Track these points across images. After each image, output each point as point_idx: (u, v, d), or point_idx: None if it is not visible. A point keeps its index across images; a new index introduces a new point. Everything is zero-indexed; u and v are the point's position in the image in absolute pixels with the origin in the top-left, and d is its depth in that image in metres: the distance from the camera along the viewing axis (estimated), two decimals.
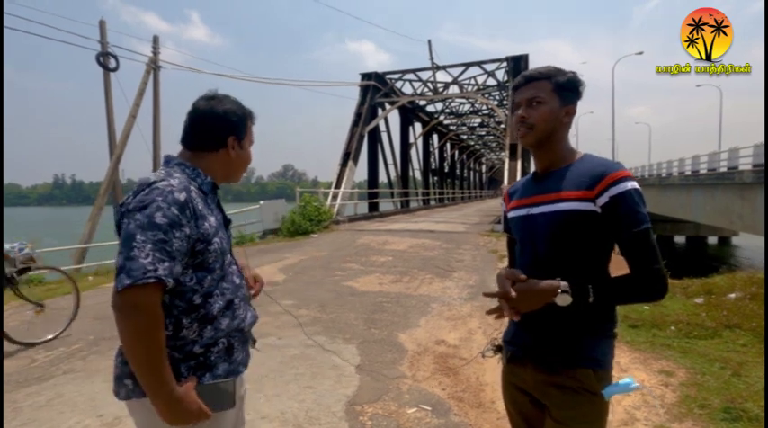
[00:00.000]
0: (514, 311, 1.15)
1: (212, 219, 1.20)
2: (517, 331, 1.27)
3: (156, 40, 14.08)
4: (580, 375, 1.14)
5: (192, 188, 1.17)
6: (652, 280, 1.10)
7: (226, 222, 1.31)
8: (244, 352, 1.31)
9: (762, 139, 16.06)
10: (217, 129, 1.25)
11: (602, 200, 1.10)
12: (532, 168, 1.33)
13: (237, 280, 1.28)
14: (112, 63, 12.86)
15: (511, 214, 1.32)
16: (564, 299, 1.09)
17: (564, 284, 1.09)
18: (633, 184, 1.10)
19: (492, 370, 3.25)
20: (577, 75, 1.24)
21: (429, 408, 2.76)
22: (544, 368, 1.19)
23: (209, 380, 1.15)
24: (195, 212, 1.13)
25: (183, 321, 1.14)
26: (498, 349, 1.35)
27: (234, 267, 1.30)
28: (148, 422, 1.14)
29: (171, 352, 1.13)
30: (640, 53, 31.59)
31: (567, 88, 1.21)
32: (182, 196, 1.11)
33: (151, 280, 1.02)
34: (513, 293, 1.12)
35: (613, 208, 1.09)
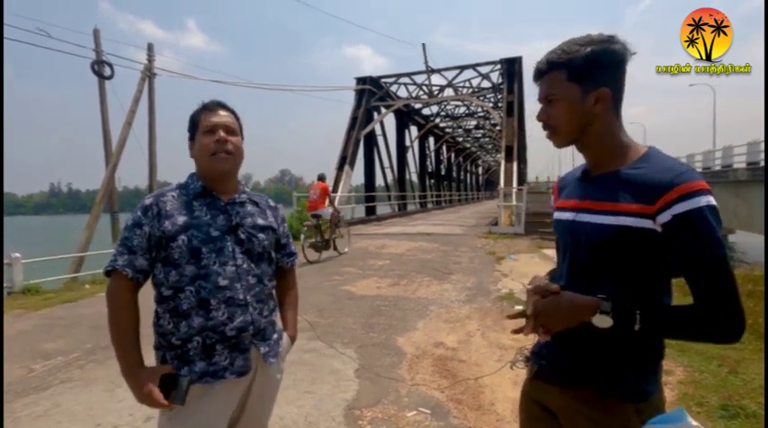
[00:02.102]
0: (543, 330, 0.98)
1: (180, 218, 1.28)
2: (548, 344, 1.09)
3: (150, 48, 14.08)
4: (615, 408, 0.97)
5: (168, 193, 1.34)
6: (725, 317, 0.87)
7: (233, 226, 1.33)
8: (234, 358, 1.29)
9: (755, 138, 16.19)
10: None
11: (664, 217, 0.88)
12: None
13: (224, 282, 1.28)
14: (107, 71, 12.85)
15: (557, 215, 1.13)
16: (603, 321, 0.90)
17: (606, 304, 0.90)
18: (708, 200, 0.87)
19: (491, 372, 3.26)
20: (606, 43, 0.98)
21: (428, 411, 2.76)
22: (573, 394, 1.02)
23: (185, 374, 1.25)
24: (159, 213, 1.28)
25: (159, 310, 1.31)
26: (528, 359, 1.19)
27: (230, 268, 1.29)
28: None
29: (159, 340, 1.31)
30: (633, 54, 31.79)
31: (587, 69, 0.97)
32: (148, 201, 1.31)
33: (109, 268, 1.26)
34: (538, 309, 0.97)
35: (678, 229, 0.87)
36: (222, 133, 1.33)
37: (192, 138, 1.38)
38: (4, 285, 6.92)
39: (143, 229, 1.26)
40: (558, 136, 1.04)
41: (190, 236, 1.26)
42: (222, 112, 1.36)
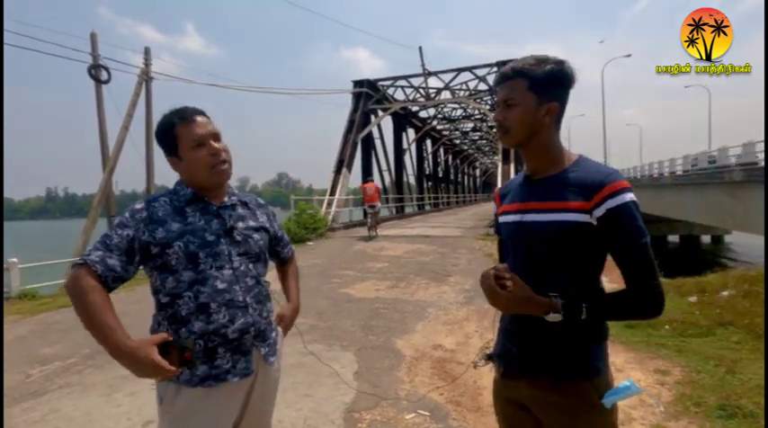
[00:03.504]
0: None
1: (174, 225, 1.27)
2: (506, 343, 1.22)
3: (147, 52, 14.06)
4: (575, 389, 1.10)
5: (160, 199, 1.32)
6: (649, 298, 1.05)
7: (228, 229, 1.34)
8: (236, 361, 1.30)
9: (748, 139, 16.30)
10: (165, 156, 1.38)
11: (599, 212, 1.04)
12: (524, 168, 1.28)
13: (222, 286, 1.28)
14: (104, 75, 12.83)
15: (502, 218, 1.25)
16: (554, 317, 1.04)
17: (557, 303, 1.04)
18: (631, 196, 1.04)
19: (489, 374, 3.25)
20: (563, 65, 1.11)
21: (427, 413, 2.76)
22: (537, 384, 1.14)
23: (186, 377, 1.25)
24: (150, 217, 1.26)
25: (158, 318, 1.30)
26: (489, 358, 1.29)
27: (227, 272, 1.30)
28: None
29: None
30: (628, 56, 32.02)
31: (545, 83, 1.10)
32: (138, 205, 1.29)
33: (80, 261, 1.19)
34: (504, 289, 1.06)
35: (610, 221, 1.03)
36: (214, 143, 1.31)
37: (173, 154, 1.32)
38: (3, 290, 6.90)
39: (126, 231, 1.23)
40: (510, 137, 1.15)
41: (186, 242, 1.26)
42: (200, 119, 1.32)
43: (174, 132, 1.29)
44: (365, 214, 13.13)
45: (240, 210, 1.42)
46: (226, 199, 1.39)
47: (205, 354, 1.26)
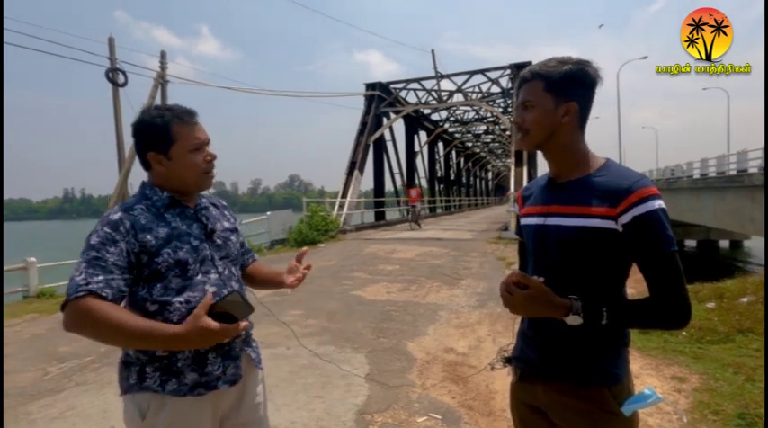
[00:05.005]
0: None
1: (161, 231, 1.21)
2: (525, 347, 1.21)
3: (163, 56, 14.30)
4: (593, 395, 1.07)
5: (136, 207, 1.22)
6: (674, 308, 1.01)
7: (208, 233, 1.31)
8: (225, 367, 1.26)
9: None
10: (138, 149, 1.28)
11: (625, 219, 1.01)
12: (539, 174, 1.25)
13: (211, 290, 1.24)
14: (121, 78, 13.08)
15: (524, 221, 1.24)
16: (574, 320, 1.02)
17: (577, 305, 1.01)
18: (660, 204, 1.01)
19: (502, 378, 3.23)
20: (581, 64, 1.10)
21: (439, 417, 2.75)
22: (555, 389, 1.12)
23: (173, 386, 1.19)
24: (134, 227, 1.18)
25: None
26: (508, 361, 1.28)
27: (213, 276, 1.27)
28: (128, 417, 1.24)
29: (137, 354, 1.20)
30: (644, 58, 31.45)
31: (562, 83, 1.08)
32: (115, 216, 1.18)
33: (81, 293, 1.07)
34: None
35: (637, 228, 1.00)
36: (210, 151, 1.30)
37: (160, 152, 1.24)
38: (20, 289, 7.06)
39: (118, 246, 1.14)
40: (529, 139, 1.14)
41: (174, 249, 1.21)
42: (200, 124, 1.29)
43: (172, 130, 1.23)
44: (408, 212, 18.32)
45: (213, 212, 1.39)
46: (198, 201, 1.36)
47: (195, 361, 1.21)
